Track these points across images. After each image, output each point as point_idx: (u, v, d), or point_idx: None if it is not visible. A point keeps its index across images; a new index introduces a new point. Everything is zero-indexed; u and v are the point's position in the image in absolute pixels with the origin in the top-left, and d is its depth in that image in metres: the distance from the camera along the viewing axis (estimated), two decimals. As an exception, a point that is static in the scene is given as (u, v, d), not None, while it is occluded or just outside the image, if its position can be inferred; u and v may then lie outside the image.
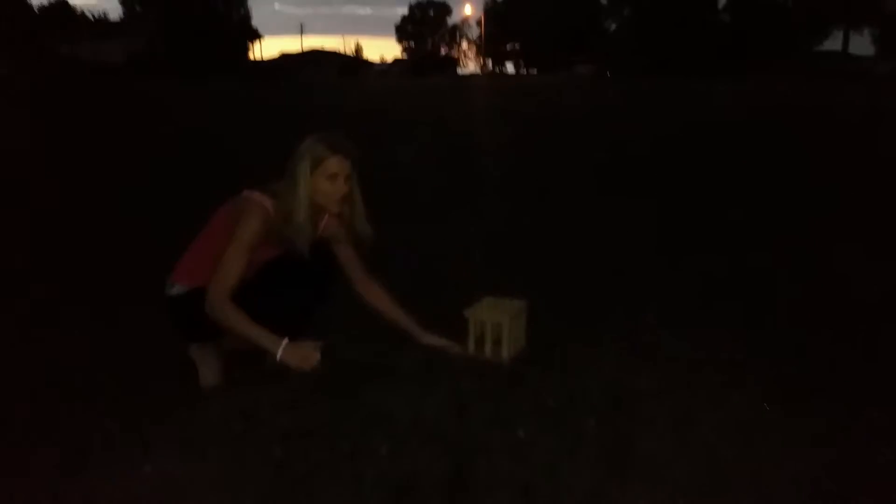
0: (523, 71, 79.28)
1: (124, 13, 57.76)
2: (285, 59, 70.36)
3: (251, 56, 60.33)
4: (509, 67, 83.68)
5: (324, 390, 2.35)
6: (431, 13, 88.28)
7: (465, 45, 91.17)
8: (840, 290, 3.58)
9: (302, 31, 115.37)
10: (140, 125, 13.15)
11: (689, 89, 26.31)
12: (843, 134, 11.85)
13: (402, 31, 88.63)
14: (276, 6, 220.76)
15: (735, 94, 22.00)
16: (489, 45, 78.97)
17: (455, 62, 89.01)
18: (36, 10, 46.82)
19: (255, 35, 61.41)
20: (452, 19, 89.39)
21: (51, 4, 52.15)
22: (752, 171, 7.72)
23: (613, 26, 71.70)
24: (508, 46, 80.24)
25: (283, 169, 2.37)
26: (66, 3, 55.06)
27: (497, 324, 2.67)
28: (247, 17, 59.89)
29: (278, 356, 2.26)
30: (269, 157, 2.78)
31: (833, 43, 59.13)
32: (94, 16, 58.00)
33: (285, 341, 2.27)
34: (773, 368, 2.61)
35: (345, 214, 2.45)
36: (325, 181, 2.30)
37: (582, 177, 7.34)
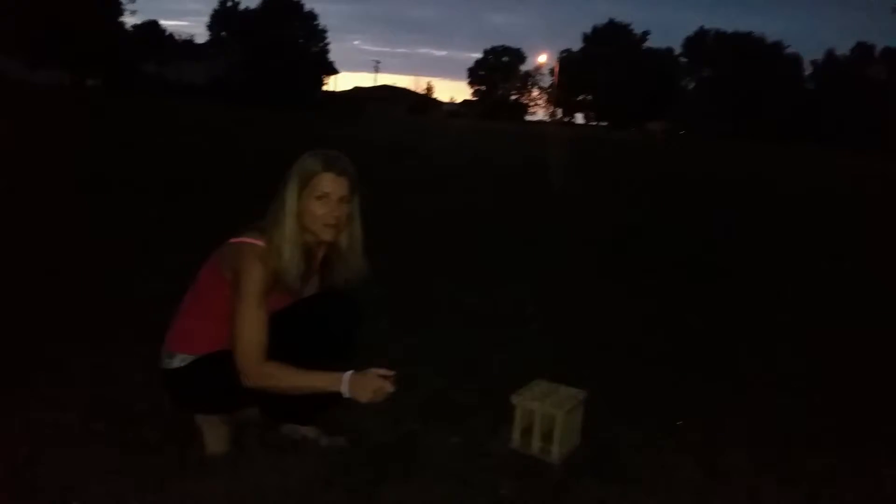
0: (593, 123, 79.06)
1: (210, 38, 60.44)
2: (358, 92, 72.19)
3: (326, 88, 61.97)
4: (579, 118, 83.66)
5: (341, 479, 2.01)
6: (505, 59, 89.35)
7: (535, 92, 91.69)
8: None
9: (377, 68, 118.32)
10: (198, 144, 13.36)
11: (773, 156, 25.52)
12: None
13: (475, 75, 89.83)
14: (356, 43, 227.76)
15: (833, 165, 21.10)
16: (561, 95, 79.17)
17: (524, 109, 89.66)
18: (129, 29, 49.28)
19: (332, 70, 63.16)
20: (525, 66, 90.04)
21: (143, 24, 54.87)
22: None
23: (692, 85, 70.94)
24: (580, 97, 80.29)
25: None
26: (157, 24, 57.93)
27: (549, 416, 2.28)
28: (325, 52, 61.68)
29: (345, 393, 1.93)
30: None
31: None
32: (180, 38, 60.37)
33: (349, 375, 1.94)
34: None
35: (339, 245, 2.09)
36: (314, 202, 1.95)
37: (658, 242, 6.88)
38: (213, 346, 1.99)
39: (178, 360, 2.01)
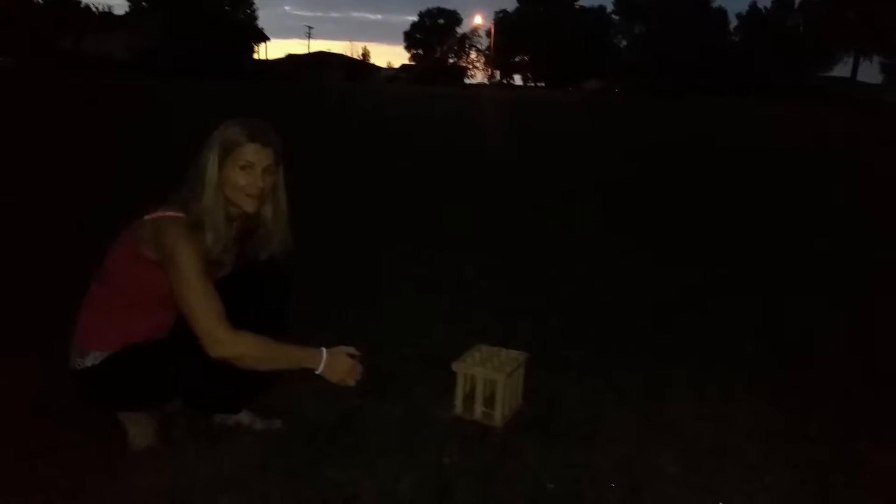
0: (531, 84, 79.22)
1: (130, 8, 57.45)
2: (291, 60, 70.26)
3: (256, 57, 59.95)
4: (517, 79, 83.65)
5: (279, 463, 1.93)
6: (441, 21, 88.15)
7: (473, 55, 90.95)
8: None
9: (310, 34, 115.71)
10: (126, 122, 12.77)
11: (703, 108, 26.09)
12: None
13: (411, 38, 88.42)
14: (286, 8, 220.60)
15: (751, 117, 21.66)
16: (498, 57, 78.84)
17: (463, 72, 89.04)
18: (41, 2, 46.25)
19: (262, 37, 61.10)
20: (462, 28, 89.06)
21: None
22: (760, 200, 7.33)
23: (624, 43, 71.63)
24: (517, 58, 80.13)
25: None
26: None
27: (490, 380, 2.25)
28: (253, 18, 59.55)
29: (319, 370, 1.93)
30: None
31: (843, 69, 59.33)
32: (98, 10, 56.71)
33: (324, 353, 1.94)
34: (816, 447, 2.19)
35: (264, 217, 2.00)
36: (237, 172, 1.86)
37: (591, 201, 6.93)
38: (129, 339, 1.86)
39: (91, 359, 1.87)
